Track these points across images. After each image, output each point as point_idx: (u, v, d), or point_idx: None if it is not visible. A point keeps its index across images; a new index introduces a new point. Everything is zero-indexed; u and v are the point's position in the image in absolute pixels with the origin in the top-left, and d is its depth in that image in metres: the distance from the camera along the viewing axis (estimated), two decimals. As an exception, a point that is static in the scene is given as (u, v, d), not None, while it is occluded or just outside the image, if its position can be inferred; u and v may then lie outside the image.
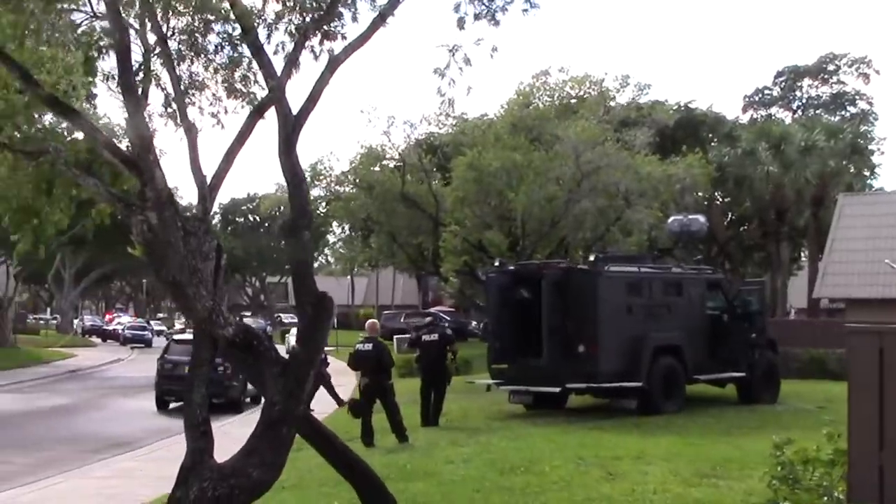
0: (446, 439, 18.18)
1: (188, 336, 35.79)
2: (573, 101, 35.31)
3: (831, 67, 61.90)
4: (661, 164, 30.41)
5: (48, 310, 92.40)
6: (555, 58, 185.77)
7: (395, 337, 55.75)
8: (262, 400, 27.03)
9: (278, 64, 9.73)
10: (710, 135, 46.56)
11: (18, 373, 42.49)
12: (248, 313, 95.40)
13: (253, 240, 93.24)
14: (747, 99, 62.60)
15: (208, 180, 9.35)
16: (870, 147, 48.26)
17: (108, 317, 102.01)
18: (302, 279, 9.15)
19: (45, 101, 9.60)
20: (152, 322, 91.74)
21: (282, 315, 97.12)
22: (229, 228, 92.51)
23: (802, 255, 55.33)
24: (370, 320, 20.74)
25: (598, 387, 20.67)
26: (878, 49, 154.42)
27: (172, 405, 29.12)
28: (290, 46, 9.61)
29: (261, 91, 11.56)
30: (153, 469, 18.07)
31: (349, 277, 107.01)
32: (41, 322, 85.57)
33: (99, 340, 77.29)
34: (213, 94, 11.06)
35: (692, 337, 22.11)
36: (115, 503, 14.52)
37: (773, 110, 62.04)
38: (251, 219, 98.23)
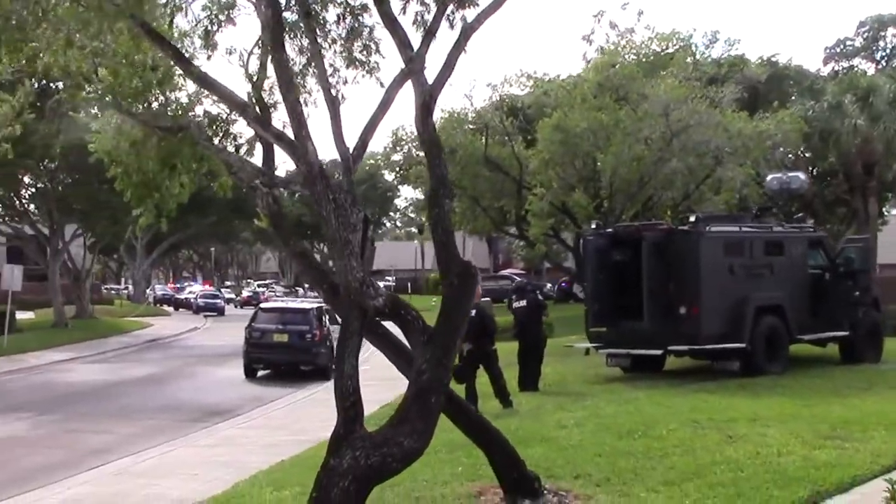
0: (551, 403, 17.98)
1: (275, 304, 36.16)
2: (652, 57, 34.72)
3: (918, 16, 59.87)
4: (750, 120, 29.72)
5: (122, 280, 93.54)
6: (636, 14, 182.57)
7: (472, 301, 55.75)
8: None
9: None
10: (792, 89, 45.42)
11: (101, 343, 42.98)
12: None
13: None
14: (828, 51, 60.93)
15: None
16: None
17: (170, 286, 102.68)
18: (446, 249, 8.94)
19: (196, 78, 9.50)
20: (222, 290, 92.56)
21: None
22: (297, 195, 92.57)
23: (884, 210, 54.08)
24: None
25: (700, 349, 20.30)
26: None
27: (260, 373, 29.31)
28: (426, 16, 9.42)
29: (381, 60, 11.44)
30: (256, 437, 18.12)
31: (417, 242, 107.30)
32: (113, 292, 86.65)
33: (171, 309, 78.06)
34: (331, 65, 10.95)
35: (794, 296, 21.64)
36: (228, 471, 14.44)
37: (856, 62, 60.36)
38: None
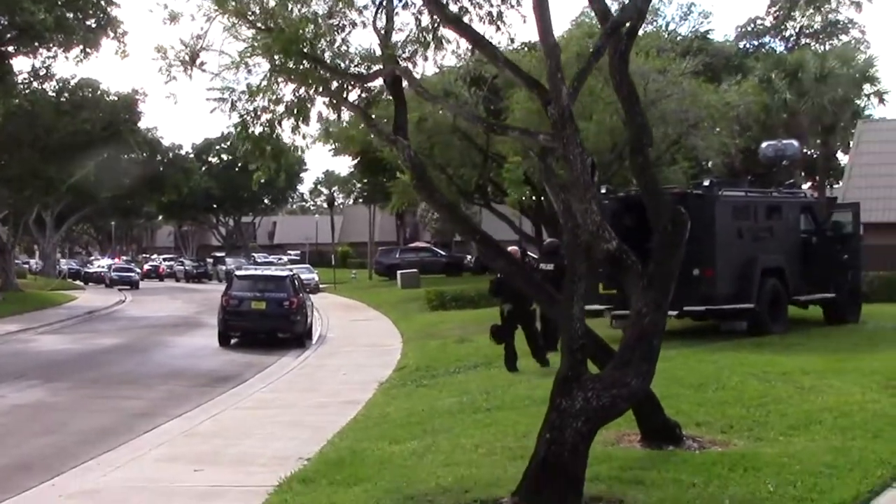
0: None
1: (251, 272, 35.73)
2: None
3: (826, -5, 62.01)
4: (717, 92, 30.53)
5: (36, 253, 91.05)
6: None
7: (399, 272, 55.90)
8: (314, 337, 27.21)
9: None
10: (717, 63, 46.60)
11: (41, 315, 41.98)
12: (223, 253, 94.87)
13: (227, 179, 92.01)
14: (740, 29, 62.96)
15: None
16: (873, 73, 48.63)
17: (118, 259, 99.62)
18: (656, 196, 9.23)
19: (450, 21, 9.55)
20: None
21: (255, 255, 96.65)
22: (203, 168, 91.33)
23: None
24: (511, 247, 20.64)
25: (716, 309, 20.94)
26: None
27: (232, 341, 29.01)
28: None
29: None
30: (294, 399, 18.08)
31: (317, 216, 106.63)
32: (23, 265, 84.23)
33: (81, 283, 76.18)
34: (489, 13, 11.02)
35: (791, 259, 22.49)
36: (301, 430, 14.52)
37: (766, 40, 62.42)
38: (223, 158, 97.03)
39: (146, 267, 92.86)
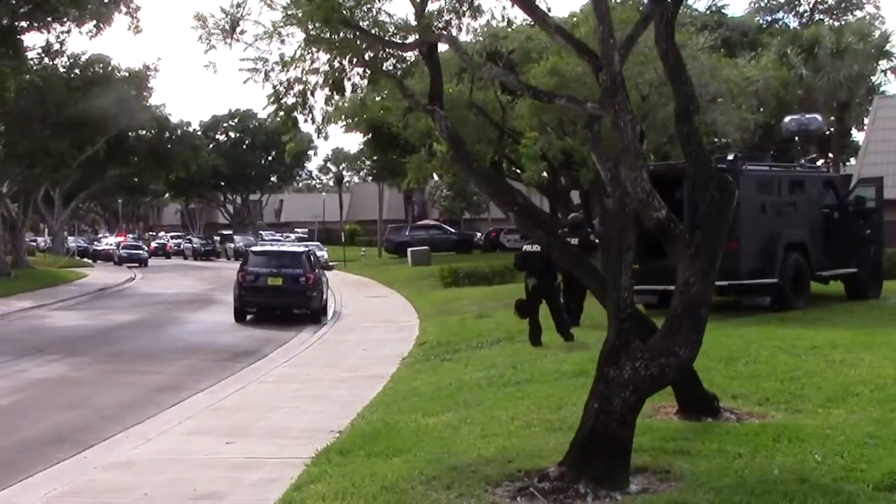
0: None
1: (267, 247, 35.67)
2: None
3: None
4: (736, 66, 30.29)
5: (44, 231, 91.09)
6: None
7: (409, 250, 55.80)
8: (329, 314, 27.12)
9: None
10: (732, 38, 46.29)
11: (53, 292, 41.96)
12: (230, 231, 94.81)
13: (235, 157, 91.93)
14: (753, 4, 62.61)
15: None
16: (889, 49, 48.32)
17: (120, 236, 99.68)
18: (703, 165, 9.11)
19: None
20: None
21: (263, 233, 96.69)
22: (211, 146, 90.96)
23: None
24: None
25: (739, 284, 20.81)
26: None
27: (249, 317, 28.97)
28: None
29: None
30: (317, 374, 17.99)
31: (325, 194, 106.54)
32: (31, 243, 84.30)
33: (89, 261, 76.24)
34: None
35: (814, 234, 22.36)
36: (326, 404, 14.47)
37: (779, 15, 62.10)
38: (231, 135, 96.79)
39: (153, 245, 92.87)
